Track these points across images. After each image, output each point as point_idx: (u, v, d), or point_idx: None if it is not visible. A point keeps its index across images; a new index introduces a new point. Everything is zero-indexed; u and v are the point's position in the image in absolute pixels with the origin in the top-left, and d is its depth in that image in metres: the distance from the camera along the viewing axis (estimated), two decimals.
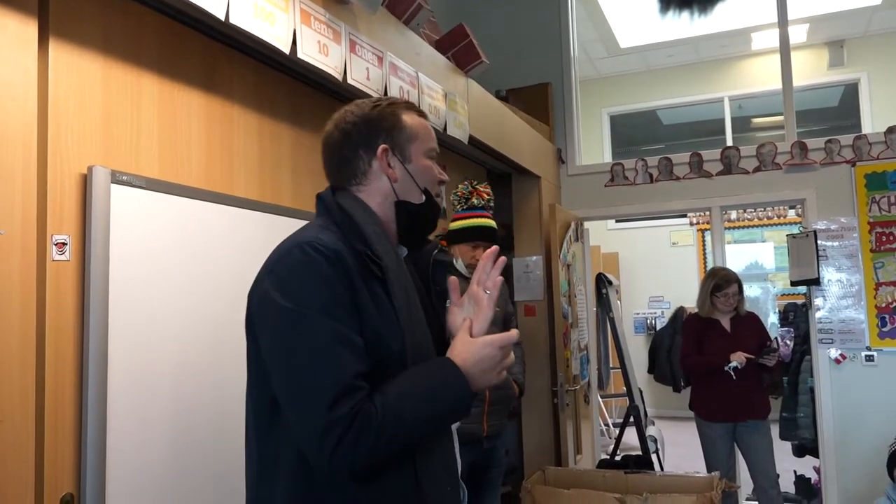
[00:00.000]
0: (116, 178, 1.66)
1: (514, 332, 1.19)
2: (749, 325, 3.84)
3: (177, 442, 1.78)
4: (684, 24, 6.15)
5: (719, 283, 3.78)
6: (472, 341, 1.18)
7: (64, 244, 1.56)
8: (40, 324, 1.50)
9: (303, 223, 2.35)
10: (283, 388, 1.11)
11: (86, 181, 1.61)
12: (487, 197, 3.08)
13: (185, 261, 1.85)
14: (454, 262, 2.82)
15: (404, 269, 1.27)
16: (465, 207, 3.03)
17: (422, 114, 1.37)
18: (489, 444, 2.79)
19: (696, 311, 3.95)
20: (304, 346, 1.08)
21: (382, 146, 1.28)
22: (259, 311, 1.16)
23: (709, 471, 3.73)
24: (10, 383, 1.42)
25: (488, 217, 3.00)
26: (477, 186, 3.09)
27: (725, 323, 3.82)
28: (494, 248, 1.27)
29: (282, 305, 1.10)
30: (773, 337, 4.08)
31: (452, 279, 1.30)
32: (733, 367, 3.61)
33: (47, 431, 1.50)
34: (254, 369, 1.20)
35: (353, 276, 1.13)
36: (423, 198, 1.31)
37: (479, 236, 2.68)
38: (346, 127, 1.30)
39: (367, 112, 1.31)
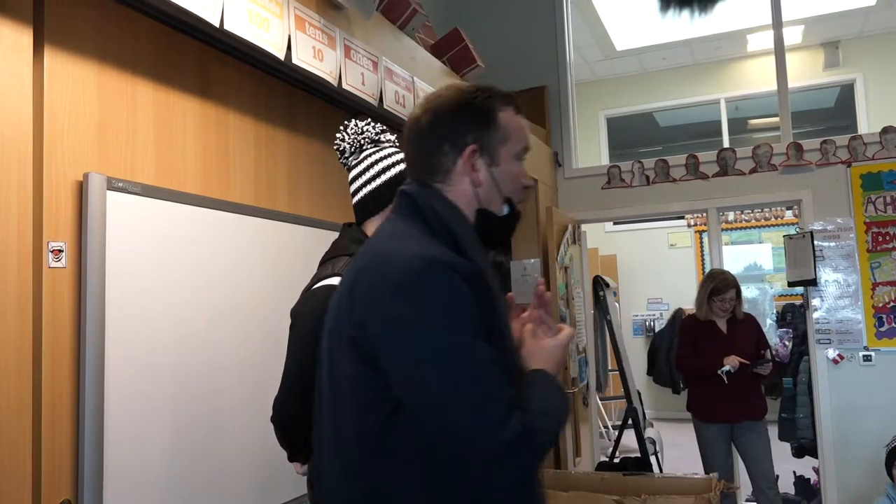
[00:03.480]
0: (112, 185, 1.66)
1: (571, 329, 1.22)
2: (746, 327, 3.84)
3: (174, 448, 1.78)
4: (680, 26, 6.16)
5: (718, 286, 3.77)
6: (548, 347, 1.18)
7: (60, 251, 1.56)
8: (37, 331, 1.51)
9: (299, 228, 2.34)
10: (444, 410, 1.02)
11: (81, 188, 1.61)
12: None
13: (181, 267, 1.85)
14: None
15: (499, 283, 1.18)
16: None
17: (519, 109, 1.22)
18: None
19: (694, 312, 3.95)
20: (469, 365, 1.02)
21: (472, 146, 1.16)
22: (397, 335, 1.04)
23: (706, 472, 3.73)
24: (6, 390, 1.42)
25: None
26: None
27: (722, 325, 3.82)
28: (542, 286, 1.24)
29: (434, 328, 1.02)
30: (771, 341, 4.08)
31: (510, 296, 1.25)
32: (726, 371, 3.61)
33: (44, 438, 1.50)
34: (356, 394, 1.10)
35: (480, 295, 1.07)
36: (506, 209, 1.20)
37: None
38: (435, 114, 1.17)
39: (462, 102, 1.17)
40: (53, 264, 1.55)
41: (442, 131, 1.16)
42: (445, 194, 1.17)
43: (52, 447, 1.52)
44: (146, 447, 1.71)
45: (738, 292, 3.81)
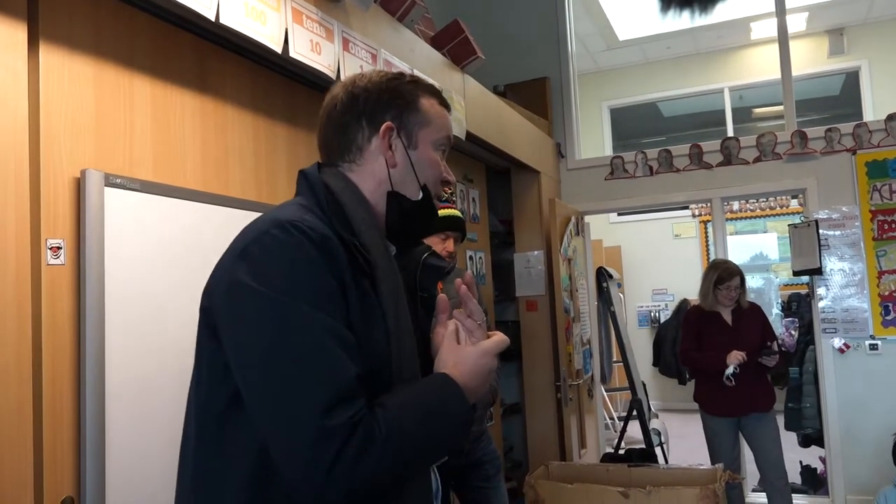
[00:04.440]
0: (110, 181, 1.65)
1: (505, 337, 1.08)
2: (752, 317, 3.81)
3: (175, 444, 1.77)
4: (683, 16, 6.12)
5: (722, 275, 3.74)
6: (465, 351, 1.05)
7: (59, 248, 1.56)
8: (36, 329, 1.50)
9: None
10: (259, 391, 0.92)
11: (79, 185, 1.61)
12: (450, 191, 3.10)
13: (181, 263, 1.85)
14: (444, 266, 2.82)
15: (395, 267, 1.09)
16: None
17: (444, 103, 1.19)
18: (473, 447, 2.75)
19: (698, 303, 3.93)
20: (290, 340, 0.91)
21: (388, 123, 1.11)
22: (228, 300, 0.97)
23: (713, 463, 3.72)
24: (6, 389, 1.42)
25: (454, 207, 3.01)
26: None
27: (727, 316, 3.79)
28: (469, 278, 1.10)
29: (260, 293, 0.92)
30: (776, 330, 4.05)
31: (442, 298, 1.13)
32: (731, 373, 3.55)
33: (45, 435, 1.50)
34: (206, 368, 1.02)
35: (342, 267, 0.97)
36: (420, 194, 1.13)
37: (449, 226, 2.66)
38: (356, 91, 1.13)
39: (384, 81, 1.14)
40: (52, 261, 1.54)
41: (360, 108, 1.12)
42: (350, 174, 1.13)
43: (53, 444, 1.51)
44: (148, 443, 1.70)
45: (743, 280, 3.78)
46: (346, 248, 0.99)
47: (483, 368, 1.04)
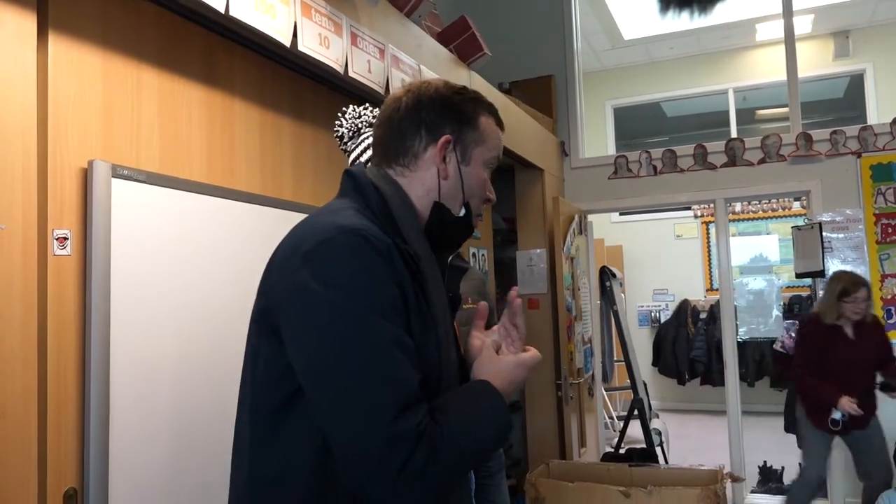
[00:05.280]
0: (117, 173, 1.65)
1: (538, 354, 1.11)
2: (872, 330, 3.63)
3: (180, 435, 1.78)
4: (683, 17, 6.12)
5: (847, 287, 3.54)
6: (504, 362, 1.08)
7: (65, 239, 1.56)
8: (42, 319, 1.50)
9: (304, 217, 2.32)
10: (329, 396, 0.93)
11: (86, 175, 1.60)
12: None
13: (186, 255, 1.84)
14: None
15: (439, 275, 1.11)
16: None
17: (500, 123, 1.21)
18: None
19: (816, 313, 3.74)
20: (360, 347, 0.92)
21: (447, 136, 1.13)
22: (294, 303, 0.98)
23: (805, 467, 3.72)
24: (12, 378, 1.42)
25: None
26: None
27: (849, 329, 3.59)
28: (515, 293, 1.16)
29: (328, 299, 0.94)
30: (777, 332, 4.04)
31: (482, 305, 1.17)
32: (839, 418, 3.44)
33: (50, 426, 1.50)
34: (263, 367, 1.03)
35: (402, 275, 0.99)
36: (463, 212, 1.16)
37: None
38: (422, 99, 1.14)
39: (449, 94, 1.15)
40: (58, 252, 1.54)
41: (422, 116, 1.13)
42: (399, 178, 1.14)
43: (57, 435, 1.51)
44: (152, 434, 1.70)
45: (870, 291, 3.58)
46: (402, 257, 1.01)
47: (517, 378, 1.08)
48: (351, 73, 2.28)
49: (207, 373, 1.87)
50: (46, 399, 1.50)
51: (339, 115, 1.72)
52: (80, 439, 1.55)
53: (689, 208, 7.85)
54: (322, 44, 2.14)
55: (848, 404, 3.42)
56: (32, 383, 1.47)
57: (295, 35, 2.03)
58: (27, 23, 1.51)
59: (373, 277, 0.96)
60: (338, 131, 1.74)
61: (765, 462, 4.84)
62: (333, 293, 0.94)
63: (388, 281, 0.97)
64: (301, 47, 2.05)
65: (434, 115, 1.13)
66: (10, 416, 1.41)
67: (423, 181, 1.13)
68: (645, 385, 5.14)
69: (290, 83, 2.36)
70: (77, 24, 1.63)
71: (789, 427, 4.69)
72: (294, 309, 0.98)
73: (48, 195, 1.53)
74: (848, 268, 4.26)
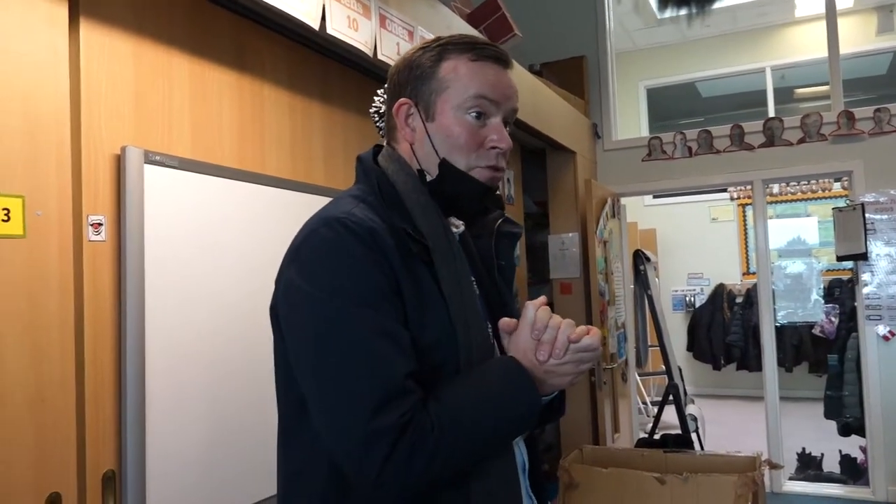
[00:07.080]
0: (149, 159, 1.66)
1: (597, 335, 0.98)
2: None
3: (214, 419, 1.79)
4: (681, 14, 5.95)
5: None
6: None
7: (100, 224, 1.57)
8: (78, 304, 1.52)
9: None
10: (313, 392, 0.93)
11: (119, 161, 1.61)
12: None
13: (218, 240, 1.85)
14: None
15: (457, 249, 1.03)
16: None
17: (481, 55, 1.05)
18: None
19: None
20: (337, 340, 0.90)
21: (400, 100, 1.07)
22: (284, 301, 0.98)
23: None
24: (50, 363, 1.44)
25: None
26: None
27: None
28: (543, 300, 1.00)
29: (308, 293, 0.92)
30: (817, 317, 3.94)
31: (506, 321, 1.01)
32: None
33: (88, 410, 1.52)
34: (281, 368, 1.03)
35: (392, 258, 0.95)
36: (437, 171, 1.05)
37: None
38: (392, 70, 1.11)
39: (411, 55, 1.08)
40: (93, 238, 1.55)
41: (391, 87, 1.10)
42: (400, 154, 1.09)
43: (95, 419, 1.53)
44: (187, 418, 1.72)
45: None
46: (397, 237, 0.97)
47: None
48: (380, 56, 2.26)
49: (241, 356, 1.88)
50: (84, 383, 1.52)
51: (378, 92, 1.70)
52: (117, 422, 1.58)
53: (724, 190, 7.68)
54: (351, 26, 2.12)
55: None
56: (70, 369, 1.49)
57: (323, 18, 2.01)
58: (59, 9, 1.51)
59: (353, 267, 0.93)
60: (378, 108, 1.73)
61: (803, 449, 4.74)
62: (313, 288, 0.93)
63: (370, 268, 0.93)
64: (329, 30, 2.03)
65: (395, 83, 1.10)
66: (50, 401, 1.43)
67: (406, 152, 1.08)
68: (680, 370, 5.07)
69: (318, 67, 2.34)
70: (108, 9, 1.63)
71: (829, 413, 4.59)
72: (284, 305, 0.99)
73: (82, 181, 1.54)
74: (892, 250, 4.14)
